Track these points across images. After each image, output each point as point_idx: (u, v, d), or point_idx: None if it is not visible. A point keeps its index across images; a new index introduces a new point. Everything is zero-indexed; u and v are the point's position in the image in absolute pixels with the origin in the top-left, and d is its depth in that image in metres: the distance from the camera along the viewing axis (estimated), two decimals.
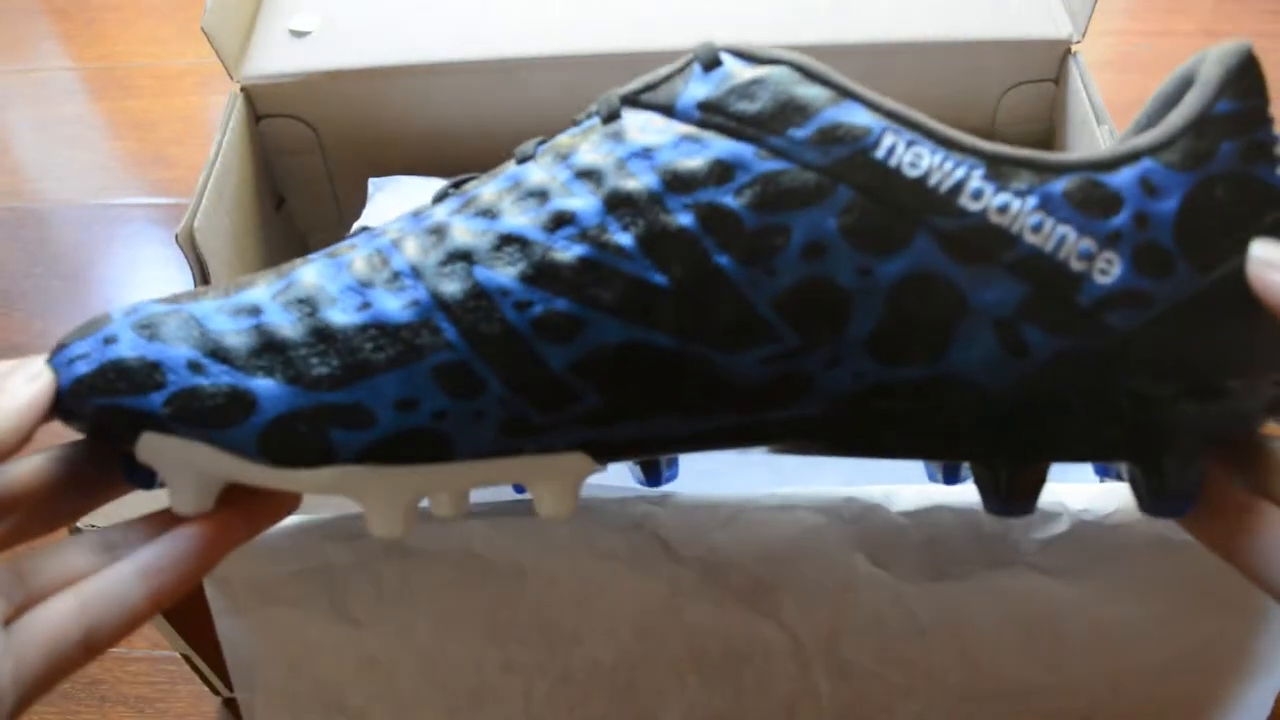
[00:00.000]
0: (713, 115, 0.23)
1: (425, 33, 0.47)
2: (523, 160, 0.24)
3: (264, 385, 0.23)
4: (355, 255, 0.24)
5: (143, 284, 0.62)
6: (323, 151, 0.49)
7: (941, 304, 0.22)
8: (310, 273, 0.24)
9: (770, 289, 0.22)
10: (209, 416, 0.23)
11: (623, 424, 0.23)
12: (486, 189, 0.24)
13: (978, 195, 0.22)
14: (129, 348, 0.23)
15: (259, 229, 0.46)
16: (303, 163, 0.49)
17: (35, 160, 0.70)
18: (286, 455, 0.23)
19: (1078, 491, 0.30)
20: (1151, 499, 0.23)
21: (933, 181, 0.22)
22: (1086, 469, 0.38)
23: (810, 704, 0.33)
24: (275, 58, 0.46)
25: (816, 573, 0.31)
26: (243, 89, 0.46)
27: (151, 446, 0.23)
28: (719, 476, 0.34)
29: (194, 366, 0.23)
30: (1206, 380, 0.22)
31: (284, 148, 0.49)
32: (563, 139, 0.24)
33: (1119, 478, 0.25)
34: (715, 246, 0.22)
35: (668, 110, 0.23)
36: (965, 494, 0.30)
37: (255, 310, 0.23)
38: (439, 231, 0.24)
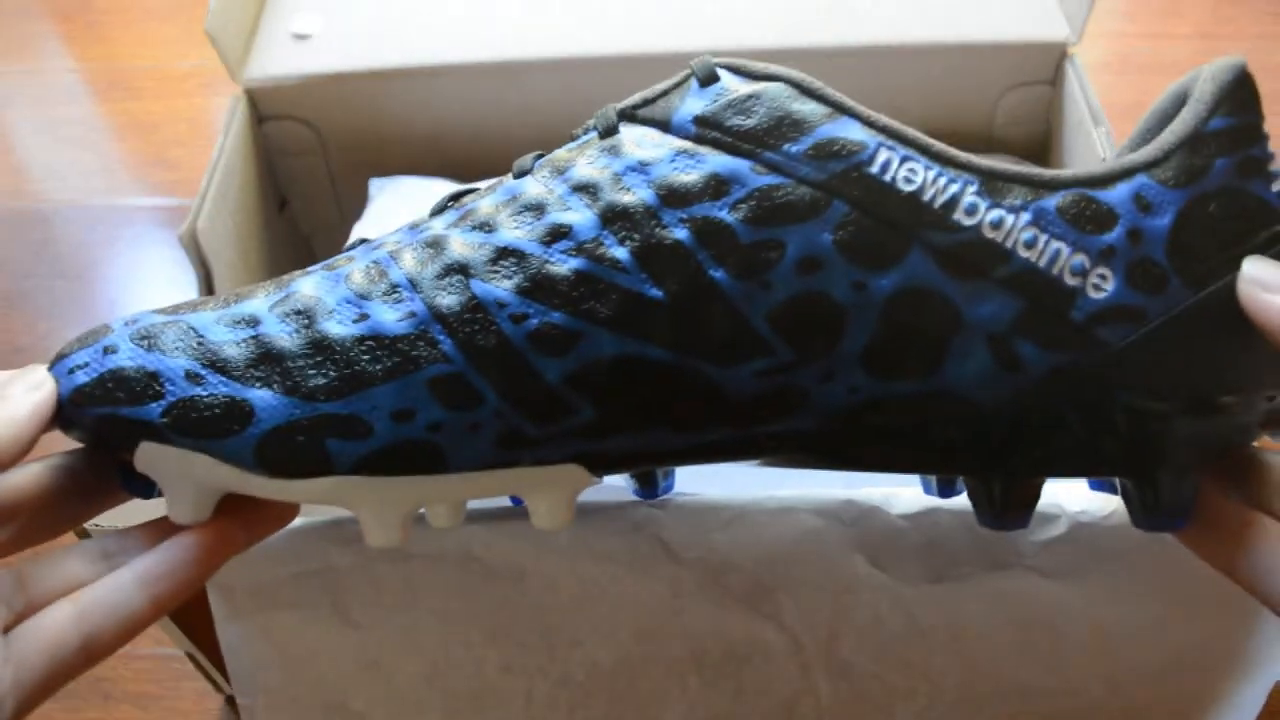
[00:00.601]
0: (709, 130, 0.23)
1: (427, 35, 0.47)
2: (520, 174, 0.25)
3: (261, 396, 0.23)
4: (353, 267, 0.24)
5: (146, 285, 0.63)
6: (325, 153, 0.49)
7: (936, 319, 0.22)
8: (308, 284, 0.24)
9: (765, 303, 0.22)
10: (206, 427, 0.23)
11: (617, 437, 0.23)
12: (484, 202, 0.24)
13: (972, 210, 0.22)
14: (128, 358, 0.23)
15: (262, 230, 0.47)
16: (305, 164, 0.50)
17: (39, 161, 0.70)
18: (283, 466, 0.23)
19: (1076, 493, 0.30)
20: (1146, 514, 0.23)
21: (927, 197, 0.22)
22: None
23: (810, 705, 0.34)
24: (278, 60, 0.46)
25: (816, 575, 0.31)
26: (246, 91, 0.46)
27: (149, 456, 0.23)
28: (719, 478, 0.34)
29: (192, 377, 0.23)
30: (1200, 395, 0.22)
31: (287, 149, 0.49)
32: (560, 153, 0.24)
33: (1114, 491, 0.25)
34: (710, 261, 0.22)
35: (664, 125, 0.23)
36: (964, 497, 0.30)
37: (253, 321, 0.23)
38: (436, 244, 0.24)
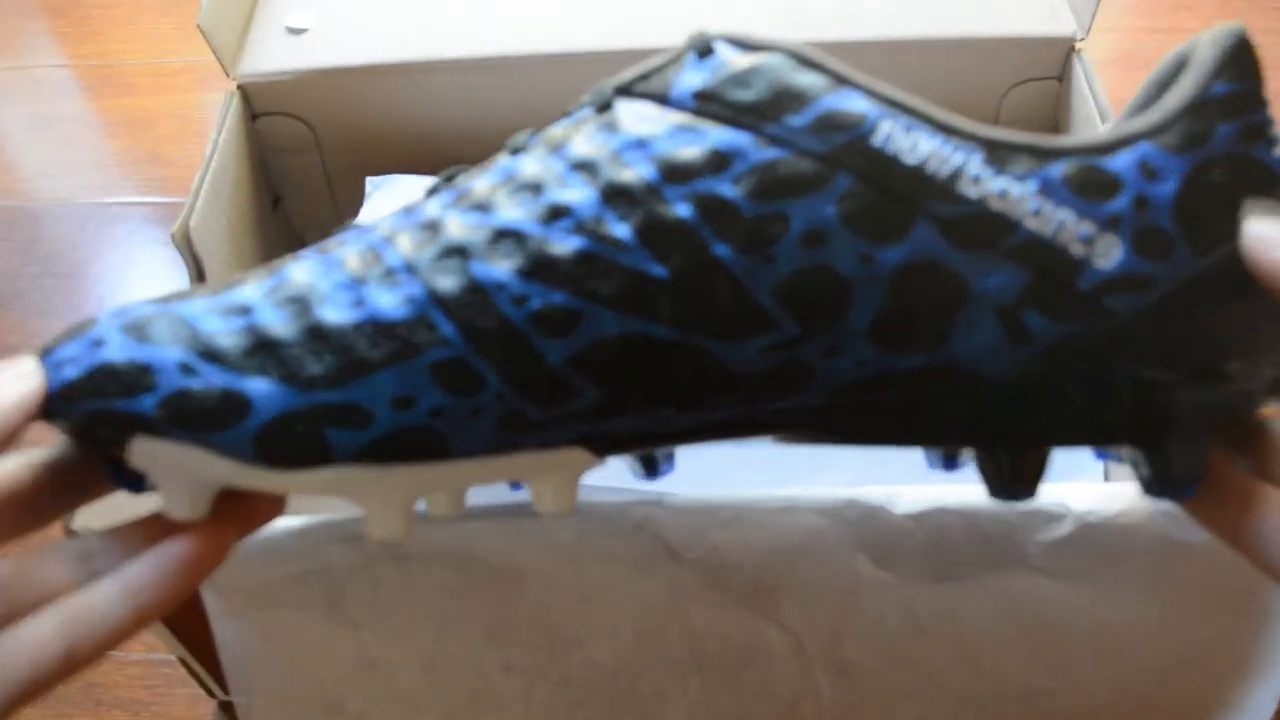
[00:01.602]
0: (708, 104, 0.22)
1: (422, 30, 0.47)
2: (515, 152, 0.24)
3: (258, 386, 0.22)
4: (347, 252, 0.24)
5: (138, 283, 0.62)
6: (319, 150, 0.49)
7: (943, 291, 0.22)
8: (301, 270, 0.23)
9: (770, 278, 0.22)
10: (202, 419, 0.22)
11: (622, 418, 0.23)
12: (479, 182, 0.24)
13: (977, 181, 0.22)
14: (118, 350, 0.22)
15: (255, 228, 0.46)
16: (299, 161, 0.49)
17: (29, 158, 0.70)
18: (282, 457, 0.22)
19: (1082, 493, 0.30)
20: (1156, 483, 0.23)
21: (931, 168, 0.22)
22: (1090, 467, 0.38)
23: (811, 705, 0.33)
24: (272, 55, 0.46)
25: (819, 574, 0.31)
26: (239, 87, 0.46)
27: (143, 451, 0.22)
28: (721, 477, 0.34)
29: (185, 368, 0.22)
30: (1207, 363, 0.22)
31: (280, 146, 0.48)
32: (555, 130, 0.24)
33: (1119, 460, 0.25)
34: (714, 236, 0.22)
35: (662, 99, 0.23)
36: (968, 496, 0.30)
37: (246, 310, 0.23)
38: (433, 227, 0.23)
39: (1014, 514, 0.30)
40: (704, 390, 0.23)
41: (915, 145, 0.22)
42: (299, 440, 0.22)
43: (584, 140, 0.23)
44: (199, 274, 0.39)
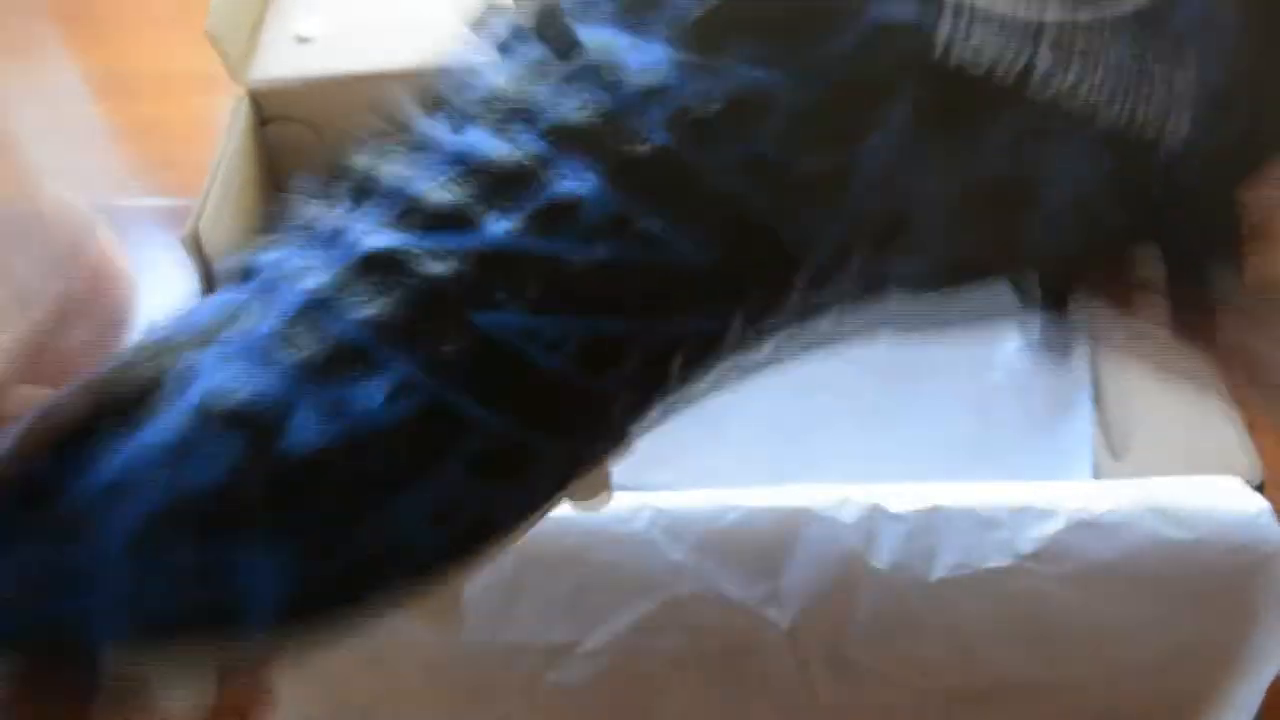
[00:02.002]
0: (714, 32, 0.18)
1: (431, 37, 0.47)
2: (459, 128, 0.19)
3: (253, 560, 0.16)
4: (278, 332, 0.17)
5: (148, 286, 0.63)
6: (327, 156, 0.49)
7: (1020, 198, 0.20)
8: (220, 377, 0.16)
9: (836, 232, 0.19)
10: (190, 634, 0.16)
11: (670, 410, 0.20)
12: (426, 184, 0.18)
13: (1047, 78, 0.19)
14: None
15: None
16: (308, 167, 0.50)
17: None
18: (318, 622, 0.17)
19: (1073, 490, 0.30)
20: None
21: (999, 74, 0.19)
22: (1080, 466, 0.39)
23: (808, 701, 0.34)
24: (281, 62, 0.47)
25: (817, 572, 0.31)
26: (248, 93, 0.46)
27: (114, 669, 0.17)
28: (721, 477, 0.34)
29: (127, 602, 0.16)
30: (1254, 179, 0.22)
31: (289, 151, 0.49)
32: (503, 84, 0.19)
33: None
34: (764, 204, 0.18)
35: (642, 28, 0.18)
36: (963, 494, 0.30)
37: (175, 450, 0.16)
38: (387, 265, 0.17)
39: (1007, 511, 0.30)
40: (759, 348, 0.21)
41: (978, 50, 0.18)
42: (333, 602, 0.17)
43: (558, 99, 0.18)
44: (207, 277, 0.40)
